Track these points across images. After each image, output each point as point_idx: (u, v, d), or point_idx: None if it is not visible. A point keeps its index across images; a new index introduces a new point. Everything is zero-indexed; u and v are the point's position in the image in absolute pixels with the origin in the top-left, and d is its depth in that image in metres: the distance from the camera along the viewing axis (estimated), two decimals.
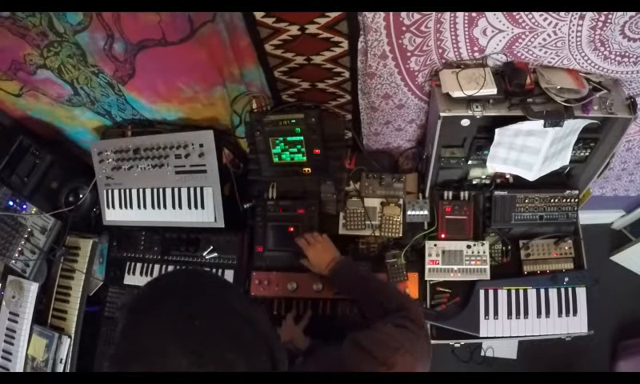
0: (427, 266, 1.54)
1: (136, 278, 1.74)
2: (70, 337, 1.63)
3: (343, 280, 1.30)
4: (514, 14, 1.06)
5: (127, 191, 1.72)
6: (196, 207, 1.63)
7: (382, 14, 1.09)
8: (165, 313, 0.59)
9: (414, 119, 1.55)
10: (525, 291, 1.53)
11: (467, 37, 1.15)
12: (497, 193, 1.56)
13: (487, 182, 1.60)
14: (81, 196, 1.78)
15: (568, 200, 1.57)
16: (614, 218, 2.50)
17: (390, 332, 0.94)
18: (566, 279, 1.53)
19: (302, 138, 1.53)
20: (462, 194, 1.60)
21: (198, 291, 0.63)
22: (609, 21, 1.01)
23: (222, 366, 0.55)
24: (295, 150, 1.56)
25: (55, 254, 1.69)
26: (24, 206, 1.64)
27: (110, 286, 1.77)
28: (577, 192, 1.56)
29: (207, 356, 0.55)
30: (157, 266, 1.72)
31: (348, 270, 1.32)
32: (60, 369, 1.61)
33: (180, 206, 1.66)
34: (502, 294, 1.53)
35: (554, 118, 1.19)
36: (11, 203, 1.61)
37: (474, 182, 1.61)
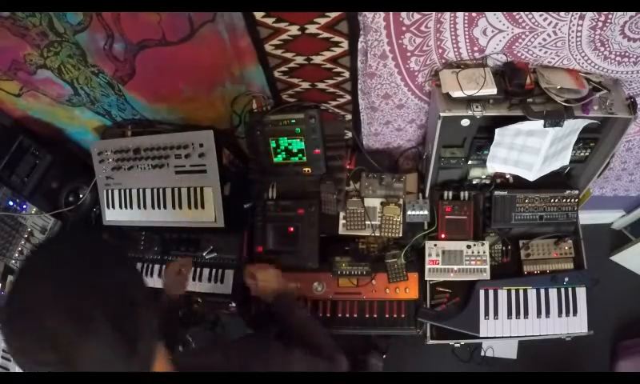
0: (427, 266, 1.54)
1: None
2: None
3: (282, 310, 1.27)
4: (514, 13, 1.06)
5: (127, 191, 1.72)
6: (196, 207, 1.63)
7: (382, 13, 1.09)
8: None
9: (414, 119, 1.55)
10: (525, 291, 1.53)
11: (467, 37, 1.15)
12: (497, 193, 1.56)
13: (487, 182, 1.60)
14: (81, 196, 1.78)
15: (568, 200, 1.56)
16: (614, 217, 2.50)
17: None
18: (566, 279, 1.53)
19: (301, 138, 1.53)
20: (462, 193, 1.60)
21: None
22: (609, 21, 1.01)
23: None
24: (295, 149, 1.56)
25: None
26: (24, 206, 1.65)
27: None
28: (577, 192, 1.56)
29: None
30: (157, 266, 1.72)
31: (288, 302, 1.30)
32: None
33: (180, 206, 1.66)
34: (502, 293, 1.52)
35: (554, 117, 1.19)
36: (11, 203, 1.61)
37: (474, 182, 1.61)
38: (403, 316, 1.53)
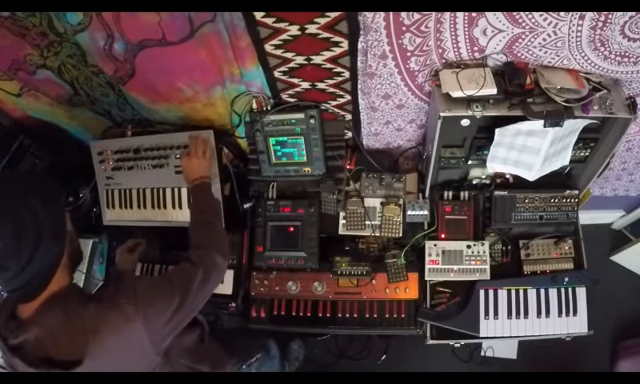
0: (427, 266, 1.54)
1: None
2: None
3: (196, 199, 1.37)
4: (514, 13, 1.06)
5: (127, 191, 1.72)
6: None
7: (382, 13, 1.09)
8: None
9: (414, 119, 1.55)
10: (525, 291, 1.53)
11: (467, 37, 1.15)
12: (497, 193, 1.57)
13: (487, 182, 1.60)
14: (81, 196, 1.78)
15: (568, 200, 1.57)
16: (613, 217, 2.50)
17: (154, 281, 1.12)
18: (566, 279, 1.53)
19: (302, 138, 1.53)
20: (462, 193, 1.60)
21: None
22: (609, 21, 1.01)
23: None
24: (295, 149, 1.56)
25: None
26: None
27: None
28: (577, 192, 1.56)
29: None
30: (157, 266, 1.72)
31: (204, 196, 1.37)
32: None
33: (180, 206, 1.66)
34: (502, 293, 1.52)
35: (554, 118, 1.19)
36: None
37: (474, 182, 1.61)
38: (403, 316, 1.54)
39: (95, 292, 1.01)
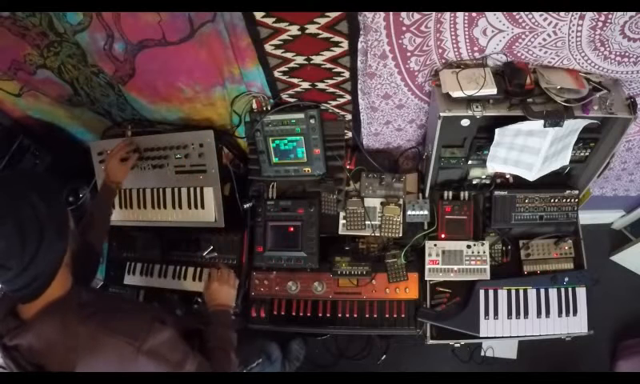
0: (427, 266, 1.54)
1: (136, 278, 1.74)
2: None
3: (215, 325, 1.28)
4: (514, 13, 1.06)
5: (127, 191, 1.73)
6: (196, 207, 1.63)
7: (382, 13, 1.09)
8: None
9: (414, 119, 1.55)
10: (525, 291, 1.53)
11: (467, 37, 1.15)
12: (497, 193, 1.57)
13: (487, 182, 1.60)
14: (81, 196, 1.78)
15: (568, 200, 1.57)
16: (613, 218, 2.50)
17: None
18: (566, 279, 1.53)
19: (301, 137, 1.53)
20: (462, 193, 1.60)
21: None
22: (609, 21, 1.01)
23: None
24: (295, 149, 1.56)
25: None
26: None
27: (110, 286, 1.77)
28: (577, 192, 1.56)
29: None
30: (157, 266, 1.72)
31: (227, 325, 1.30)
32: None
33: (180, 206, 1.66)
34: (502, 294, 1.52)
35: (554, 118, 1.19)
36: None
37: (474, 182, 1.61)
38: (403, 316, 1.54)
39: (99, 302, 0.98)
